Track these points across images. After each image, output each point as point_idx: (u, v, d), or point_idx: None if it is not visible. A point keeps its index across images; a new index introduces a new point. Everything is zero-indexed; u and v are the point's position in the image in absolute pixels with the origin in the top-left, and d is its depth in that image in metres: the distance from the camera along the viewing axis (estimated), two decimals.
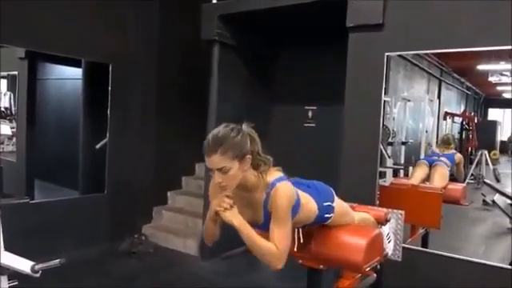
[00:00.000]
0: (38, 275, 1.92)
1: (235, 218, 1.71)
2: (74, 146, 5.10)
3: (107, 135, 4.87)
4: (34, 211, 4.16)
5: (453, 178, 4.20)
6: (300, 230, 2.17)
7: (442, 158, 4.06)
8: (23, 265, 1.93)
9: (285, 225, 1.73)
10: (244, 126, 1.77)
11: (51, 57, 4.46)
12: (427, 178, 3.95)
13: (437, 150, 4.18)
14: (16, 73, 4.52)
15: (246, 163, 1.72)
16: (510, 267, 2.97)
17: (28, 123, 4.49)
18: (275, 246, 1.70)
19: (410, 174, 4.19)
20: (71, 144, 5.20)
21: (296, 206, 1.81)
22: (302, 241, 2.14)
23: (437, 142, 4.45)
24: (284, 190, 1.74)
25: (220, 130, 1.72)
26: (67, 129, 5.48)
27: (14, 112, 4.51)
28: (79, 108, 5.07)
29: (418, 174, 3.98)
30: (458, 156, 4.16)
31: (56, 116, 5.72)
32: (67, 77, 5.44)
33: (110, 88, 4.83)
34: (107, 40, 4.75)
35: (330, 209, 2.07)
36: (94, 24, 4.58)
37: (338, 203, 2.17)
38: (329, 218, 2.08)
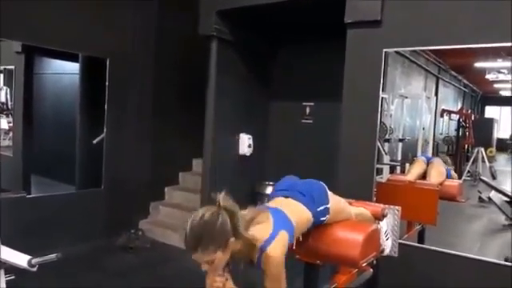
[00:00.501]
0: (34, 269, 1.92)
1: None
2: (70, 141, 5.07)
3: (104, 130, 4.86)
4: (31, 206, 4.16)
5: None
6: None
7: None
8: (20, 259, 1.93)
9: (279, 282, 1.73)
10: (221, 198, 1.69)
11: (48, 51, 4.44)
12: (424, 175, 3.96)
13: None
14: (12, 67, 4.49)
15: (229, 247, 1.66)
16: (504, 263, 2.98)
17: (24, 118, 4.46)
18: None
19: (406, 171, 4.20)
20: (68, 139, 5.18)
21: (289, 246, 1.81)
22: (300, 239, 2.14)
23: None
24: (274, 256, 1.70)
25: (197, 220, 1.64)
26: (64, 124, 5.46)
27: (10, 107, 4.48)
28: (76, 103, 5.05)
29: (414, 171, 3.99)
30: (454, 174, 4.18)
31: (53, 111, 5.70)
32: (64, 71, 5.42)
33: (107, 83, 4.82)
34: (104, 34, 4.73)
35: (326, 211, 2.06)
36: (92, 18, 4.56)
37: (335, 201, 2.16)
38: (324, 220, 2.08)
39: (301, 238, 2.13)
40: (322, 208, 2.04)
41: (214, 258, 1.62)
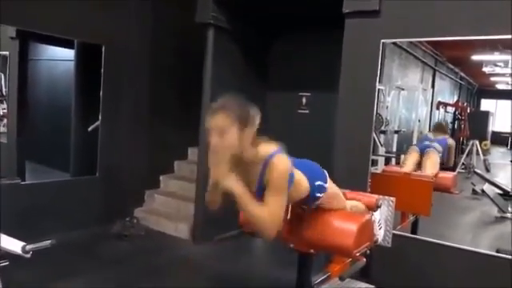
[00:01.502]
0: (28, 256, 1.92)
1: (234, 185, 1.75)
2: (65, 128, 5.04)
3: (99, 118, 4.83)
4: (25, 192, 4.14)
5: (443, 167, 4.25)
6: (289, 207, 2.19)
7: (434, 144, 4.09)
8: (14, 245, 1.93)
9: (280, 194, 1.78)
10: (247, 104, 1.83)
11: (43, 37, 4.38)
12: (419, 165, 3.99)
13: (430, 135, 4.24)
14: (7, 53, 4.44)
15: (244, 134, 1.76)
16: (496, 254, 3.02)
17: (19, 104, 4.43)
18: (269, 214, 1.76)
19: (401, 162, 4.21)
20: (63, 126, 5.15)
21: (290, 180, 1.84)
22: (288, 217, 2.17)
23: (429, 129, 4.49)
24: (281, 161, 1.79)
25: (228, 97, 1.82)
26: (59, 110, 5.42)
27: (4, 93, 4.44)
28: (71, 90, 5.01)
29: (409, 163, 4.00)
30: (451, 141, 4.23)
31: (48, 97, 5.65)
32: (59, 58, 5.37)
33: (102, 70, 4.77)
34: (100, 20, 4.67)
35: (322, 188, 2.09)
36: (88, 4, 4.50)
37: (331, 184, 2.20)
38: (319, 198, 2.10)
39: (289, 215, 2.17)
40: (318, 183, 2.07)
41: (229, 130, 1.72)
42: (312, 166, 2.14)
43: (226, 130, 1.72)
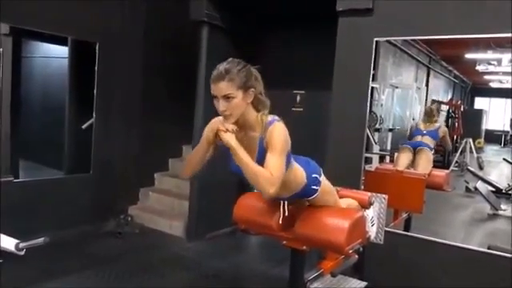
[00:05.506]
0: (22, 253, 1.92)
1: (233, 139, 1.79)
2: (59, 126, 5.02)
3: (93, 115, 4.81)
4: (19, 190, 4.12)
5: (439, 165, 4.27)
6: (286, 203, 2.20)
7: (426, 138, 4.06)
8: (7, 243, 1.92)
9: (280, 155, 1.80)
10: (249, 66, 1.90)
11: (37, 34, 4.35)
12: (412, 163, 4.00)
13: (421, 126, 4.16)
14: (0, 50, 4.41)
15: (249, 96, 1.85)
16: (487, 251, 3.04)
17: (12, 101, 4.41)
18: (268, 171, 1.75)
19: (394, 160, 4.22)
20: (57, 123, 5.12)
21: (288, 156, 1.90)
22: (286, 214, 2.19)
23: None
24: (281, 126, 1.87)
25: (228, 61, 1.86)
26: (53, 108, 5.40)
27: None
28: (65, 87, 4.99)
29: (402, 162, 4.01)
30: (442, 130, 4.16)
31: (41, 95, 5.63)
32: (53, 55, 5.34)
33: (96, 67, 4.76)
34: (94, 18, 4.65)
35: (317, 182, 2.12)
36: (81, 1, 4.49)
37: (325, 180, 2.21)
38: (315, 191, 2.12)
39: (286, 213, 2.19)
40: (314, 176, 2.10)
41: (235, 95, 1.79)
42: (308, 161, 2.16)
43: (232, 96, 1.79)
